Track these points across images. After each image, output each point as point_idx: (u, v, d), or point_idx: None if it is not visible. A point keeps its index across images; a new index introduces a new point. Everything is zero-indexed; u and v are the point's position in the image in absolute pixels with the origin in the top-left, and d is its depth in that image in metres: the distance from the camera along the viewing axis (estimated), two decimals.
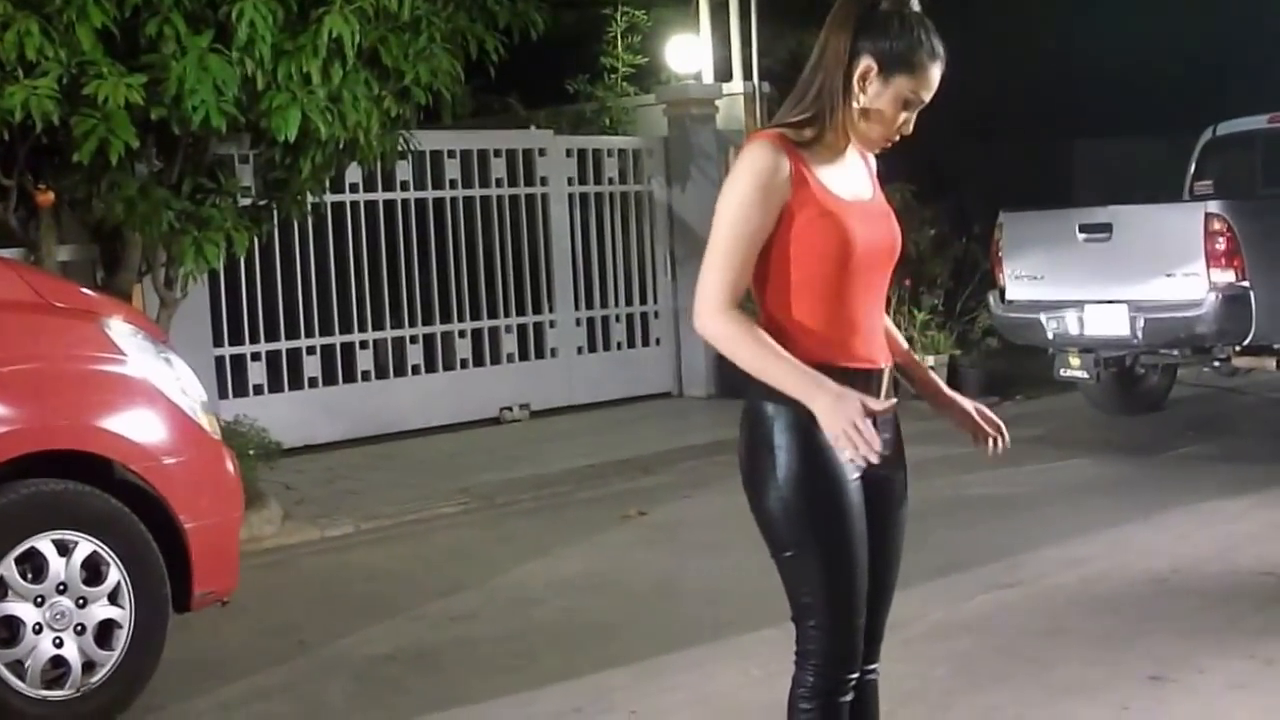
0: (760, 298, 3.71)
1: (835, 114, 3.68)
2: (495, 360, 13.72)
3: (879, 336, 3.81)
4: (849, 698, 3.78)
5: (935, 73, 3.68)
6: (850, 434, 3.46)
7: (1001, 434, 3.94)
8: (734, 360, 3.64)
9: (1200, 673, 5.98)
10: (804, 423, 3.61)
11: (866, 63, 3.64)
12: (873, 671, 3.92)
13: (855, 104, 3.67)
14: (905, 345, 4.06)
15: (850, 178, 3.77)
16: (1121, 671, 6.03)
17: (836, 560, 3.69)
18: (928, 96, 3.70)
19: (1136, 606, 6.98)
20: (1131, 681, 5.91)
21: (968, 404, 4.00)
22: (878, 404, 3.53)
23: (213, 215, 8.92)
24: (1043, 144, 17.71)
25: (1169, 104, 16.25)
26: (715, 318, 3.61)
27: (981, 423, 3.95)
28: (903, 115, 3.70)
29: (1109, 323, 11.15)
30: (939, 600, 7.15)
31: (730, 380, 13.76)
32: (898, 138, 3.76)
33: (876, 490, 3.79)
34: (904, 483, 3.92)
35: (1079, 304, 11.34)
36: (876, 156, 3.90)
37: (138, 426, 6.04)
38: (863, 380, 3.68)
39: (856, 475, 3.71)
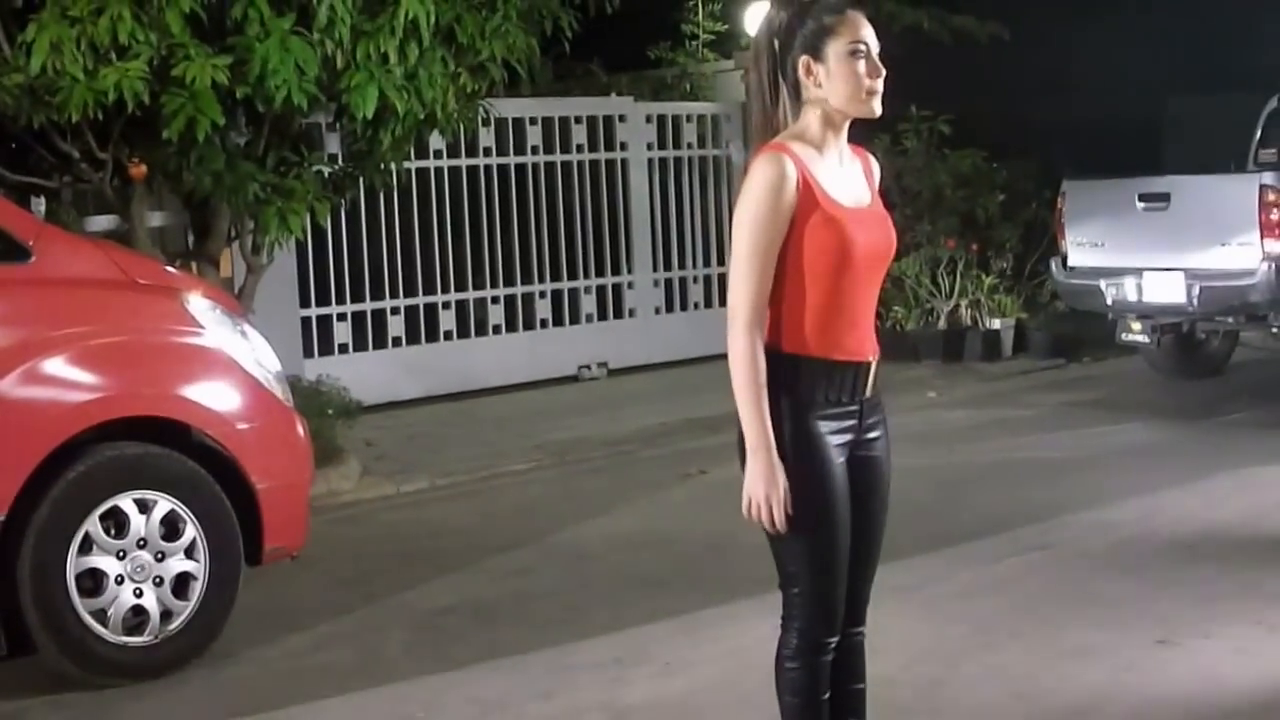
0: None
1: (809, 120, 3.98)
2: (574, 320, 14.06)
3: (871, 330, 4.10)
4: (830, 658, 4.15)
5: (852, 15, 3.92)
6: (759, 504, 3.93)
7: None
8: (732, 375, 3.95)
9: (1206, 638, 6.20)
10: (796, 411, 3.97)
11: (802, 60, 3.93)
12: (858, 633, 4.27)
13: (818, 96, 3.95)
14: None
15: (851, 184, 4.03)
16: (1130, 635, 6.25)
17: (819, 537, 4.03)
18: (868, 38, 3.93)
19: (1158, 571, 7.20)
20: (1137, 645, 6.14)
21: None
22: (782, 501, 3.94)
23: (295, 187, 9.29)
24: (1135, 101, 17.56)
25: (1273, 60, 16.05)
26: (743, 336, 3.90)
27: None
28: (862, 68, 3.92)
29: (1166, 290, 11.38)
30: (969, 562, 7.46)
31: None
32: (878, 90, 3.95)
33: (861, 471, 4.12)
34: (888, 464, 4.22)
35: (1138, 271, 11.57)
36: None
37: (214, 394, 6.48)
38: (852, 372, 4.02)
39: (843, 459, 4.06)
